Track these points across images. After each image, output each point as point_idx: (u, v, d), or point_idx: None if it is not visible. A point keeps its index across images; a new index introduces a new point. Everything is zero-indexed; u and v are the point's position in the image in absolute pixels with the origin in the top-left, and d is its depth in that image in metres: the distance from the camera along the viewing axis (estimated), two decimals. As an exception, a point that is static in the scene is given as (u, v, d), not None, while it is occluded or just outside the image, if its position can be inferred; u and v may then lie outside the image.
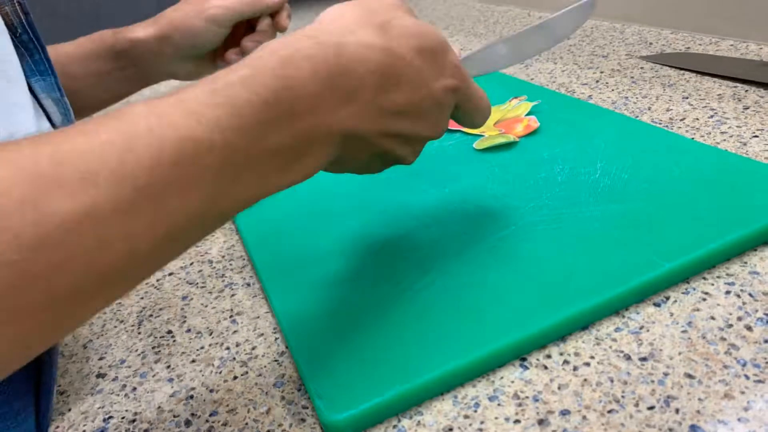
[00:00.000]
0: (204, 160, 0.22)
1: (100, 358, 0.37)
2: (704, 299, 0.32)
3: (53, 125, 0.36)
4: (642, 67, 0.66)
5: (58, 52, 0.51)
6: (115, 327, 0.40)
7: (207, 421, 0.31)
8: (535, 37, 0.38)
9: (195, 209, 0.22)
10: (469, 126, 0.36)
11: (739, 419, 0.25)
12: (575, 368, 0.29)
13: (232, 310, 0.39)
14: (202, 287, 0.42)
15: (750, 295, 0.31)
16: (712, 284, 0.33)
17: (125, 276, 0.21)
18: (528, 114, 0.55)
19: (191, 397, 0.32)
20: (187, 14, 0.52)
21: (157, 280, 0.44)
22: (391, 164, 0.33)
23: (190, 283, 0.43)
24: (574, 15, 0.38)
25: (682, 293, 0.32)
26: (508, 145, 0.50)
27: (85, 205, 0.18)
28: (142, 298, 0.42)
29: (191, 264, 0.45)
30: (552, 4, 0.97)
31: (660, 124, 0.52)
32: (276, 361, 0.34)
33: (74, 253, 0.18)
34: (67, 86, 0.40)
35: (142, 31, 0.53)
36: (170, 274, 0.44)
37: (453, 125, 0.55)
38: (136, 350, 0.37)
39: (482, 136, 0.52)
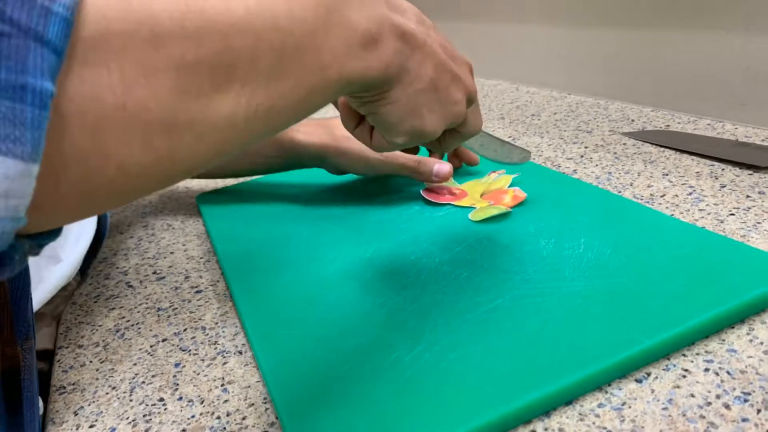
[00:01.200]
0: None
1: (91, 426, 0.37)
2: (684, 376, 0.33)
3: None
4: (624, 143, 0.69)
5: None
6: (107, 393, 0.40)
7: (195, 493, 0.31)
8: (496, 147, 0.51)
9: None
10: (470, 131, 0.40)
11: (717, 499, 0.26)
12: (560, 444, 0.30)
13: (223, 378, 0.39)
14: (195, 354, 0.42)
15: (728, 372, 0.33)
16: (692, 361, 0.34)
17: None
18: (510, 186, 0.57)
19: (180, 468, 0.33)
20: (350, 151, 0.58)
21: (151, 346, 0.44)
22: (449, 109, 0.35)
23: (183, 350, 0.43)
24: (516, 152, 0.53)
25: (663, 369, 0.33)
26: (500, 216, 0.52)
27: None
28: (135, 363, 0.43)
29: (185, 330, 0.46)
30: (538, 81, 1.02)
31: (641, 200, 0.54)
32: (266, 431, 0.34)
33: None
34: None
35: (304, 136, 0.59)
36: (164, 341, 0.45)
37: (443, 198, 0.57)
38: (127, 418, 0.37)
39: (474, 208, 0.54)
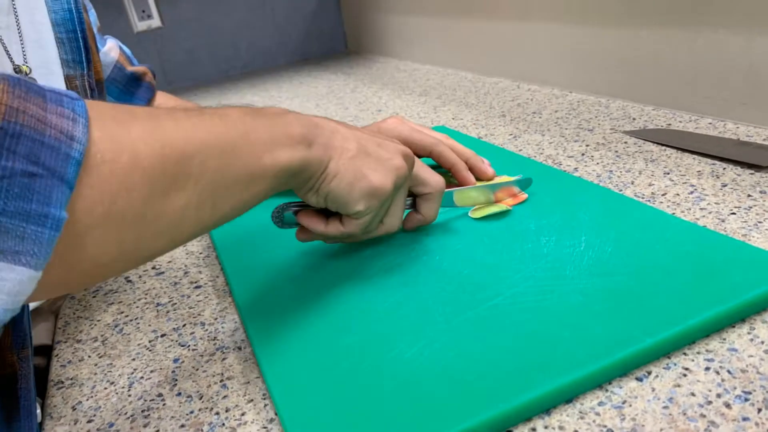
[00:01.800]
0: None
1: (89, 421, 0.37)
2: (685, 375, 0.33)
3: None
4: (626, 142, 0.69)
5: None
6: (106, 389, 0.40)
7: (194, 489, 0.31)
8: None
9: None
10: (431, 189, 0.46)
11: (718, 498, 0.26)
12: (560, 442, 0.30)
13: (222, 374, 0.39)
14: (194, 350, 0.42)
15: (728, 372, 0.32)
16: (692, 360, 0.34)
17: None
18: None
19: (179, 463, 0.32)
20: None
21: (150, 342, 0.44)
22: (386, 164, 0.41)
23: (182, 346, 0.43)
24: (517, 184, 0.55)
25: (664, 368, 0.33)
26: (500, 214, 0.52)
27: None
28: (134, 359, 0.42)
29: (184, 326, 0.46)
30: (539, 78, 1.02)
31: (643, 198, 0.54)
32: (265, 428, 0.34)
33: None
34: None
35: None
36: (163, 336, 0.45)
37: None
38: (126, 413, 0.37)
39: (474, 206, 0.54)
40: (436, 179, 0.46)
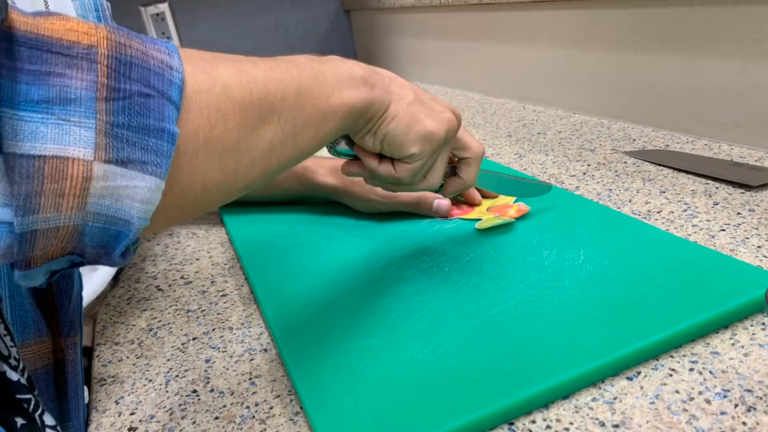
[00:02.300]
0: None
1: (132, 413, 0.41)
2: (671, 375, 0.36)
3: None
4: (625, 162, 0.73)
5: None
6: (144, 386, 0.44)
7: (230, 471, 0.34)
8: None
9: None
10: (473, 153, 0.48)
11: (695, 479, 0.29)
12: (557, 432, 0.33)
13: (251, 373, 0.43)
14: (224, 351, 0.46)
15: (710, 372, 0.36)
16: (678, 362, 0.37)
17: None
18: (515, 201, 0.61)
19: (215, 450, 0.36)
20: (355, 193, 0.65)
21: (182, 344, 0.48)
22: (440, 115, 0.43)
23: (213, 348, 0.47)
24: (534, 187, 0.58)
25: (652, 369, 0.37)
26: (504, 227, 0.56)
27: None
28: (168, 359, 0.46)
29: (213, 330, 0.49)
30: (544, 100, 1.06)
31: (639, 215, 0.58)
32: (291, 419, 0.38)
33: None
34: None
35: (321, 177, 0.67)
36: (194, 339, 0.49)
37: (452, 213, 0.61)
38: (164, 407, 0.41)
39: (480, 219, 0.58)
40: (476, 144, 0.49)
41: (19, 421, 0.31)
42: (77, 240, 0.25)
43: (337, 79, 0.37)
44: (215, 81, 0.29)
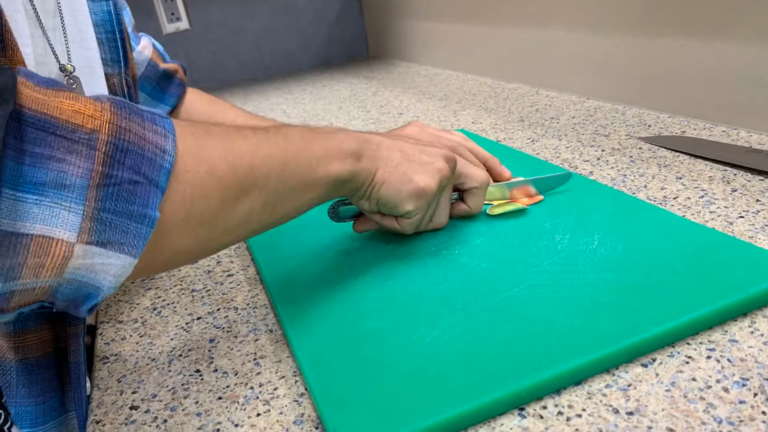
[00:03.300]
0: None
1: (134, 392, 0.40)
2: (687, 362, 0.35)
3: None
4: (640, 148, 0.71)
5: None
6: (147, 365, 0.43)
7: (232, 452, 0.34)
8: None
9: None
10: (475, 182, 0.50)
11: (713, 469, 0.28)
12: (568, 419, 0.32)
13: (255, 353, 0.42)
14: (228, 332, 0.45)
15: (728, 360, 0.35)
16: (695, 349, 0.36)
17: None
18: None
19: (218, 430, 0.36)
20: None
21: (186, 323, 0.47)
22: (430, 167, 0.45)
23: (217, 327, 0.46)
24: (551, 181, 0.58)
25: (668, 356, 0.36)
26: (517, 212, 0.55)
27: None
28: (172, 339, 0.46)
29: (218, 310, 0.49)
30: (558, 85, 1.04)
31: (654, 201, 0.56)
32: (296, 401, 0.37)
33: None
34: None
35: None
36: (198, 319, 0.48)
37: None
38: (167, 386, 0.40)
39: (492, 204, 0.57)
40: (480, 174, 0.50)
41: None
42: (50, 295, 0.27)
43: (324, 152, 0.39)
44: (203, 162, 0.32)
